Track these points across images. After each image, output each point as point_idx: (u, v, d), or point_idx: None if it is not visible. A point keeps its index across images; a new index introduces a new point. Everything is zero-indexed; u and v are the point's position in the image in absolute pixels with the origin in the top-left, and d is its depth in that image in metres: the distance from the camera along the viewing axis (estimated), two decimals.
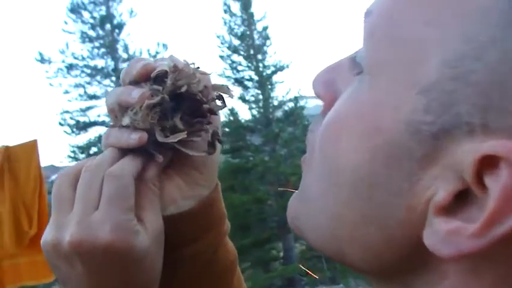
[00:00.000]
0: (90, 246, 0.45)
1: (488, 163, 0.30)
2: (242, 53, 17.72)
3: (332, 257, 0.41)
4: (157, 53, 16.88)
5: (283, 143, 16.32)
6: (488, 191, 0.30)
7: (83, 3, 17.02)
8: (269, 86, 17.32)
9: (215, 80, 0.51)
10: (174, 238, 0.52)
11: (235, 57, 17.82)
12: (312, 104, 16.75)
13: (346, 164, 0.37)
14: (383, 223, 0.35)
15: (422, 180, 0.33)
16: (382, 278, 0.39)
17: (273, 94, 17.29)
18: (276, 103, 17.17)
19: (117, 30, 17.24)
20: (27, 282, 3.48)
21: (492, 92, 0.30)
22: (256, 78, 17.45)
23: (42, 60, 16.58)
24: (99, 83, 16.93)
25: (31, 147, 3.48)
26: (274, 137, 16.34)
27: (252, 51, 17.58)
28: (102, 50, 17.01)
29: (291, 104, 16.96)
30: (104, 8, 17.11)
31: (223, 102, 0.52)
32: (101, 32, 17.13)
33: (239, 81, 17.57)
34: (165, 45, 17.05)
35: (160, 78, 0.49)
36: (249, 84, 17.55)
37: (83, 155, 15.01)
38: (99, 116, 16.72)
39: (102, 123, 16.44)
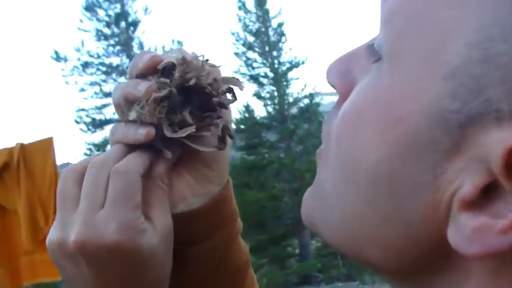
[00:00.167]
0: (96, 245, 0.44)
1: None
2: (257, 49, 17.79)
3: (348, 255, 0.39)
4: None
5: (298, 139, 16.37)
6: None
7: (97, 1, 17.17)
8: (284, 83, 17.39)
9: (226, 73, 0.49)
10: (184, 236, 0.51)
11: (250, 54, 17.93)
12: (328, 101, 16.73)
13: (364, 158, 0.34)
14: (404, 220, 0.33)
15: (447, 173, 0.30)
16: (401, 278, 0.36)
17: (288, 91, 17.37)
18: (291, 100, 17.24)
19: (132, 28, 17.36)
20: (43, 279, 3.50)
21: None
22: (271, 75, 17.52)
23: (58, 58, 16.76)
24: (115, 80, 17.06)
25: (47, 145, 3.50)
26: (289, 134, 16.38)
27: (267, 48, 17.64)
28: (118, 47, 17.14)
29: (307, 101, 17.03)
30: (118, 5, 17.24)
31: (234, 95, 0.50)
32: (116, 30, 17.26)
33: (254, 78, 17.64)
34: (180, 42, 17.11)
35: (168, 71, 0.47)
36: (264, 81, 17.63)
37: (99, 153, 15.07)
38: (114, 113, 16.69)
39: None
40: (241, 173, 16.00)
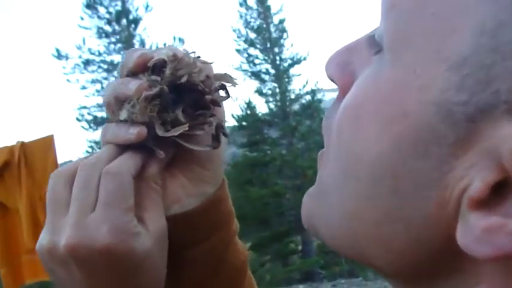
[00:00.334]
0: (87, 249, 0.43)
1: None
2: (259, 46, 17.79)
3: (348, 255, 0.37)
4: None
5: (300, 136, 16.36)
6: None
7: None
8: (286, 79, 17.38)
9: (219, 70, 0.48)
10: (179, 238, 0.49)
11: (251, 50, 17.92)
12: (330, 97, 16.72)
13: (366, 154, 0.32)
14: (409, 220, 0.31)
15: (455, 170, 0.28)
16: (406, 281, 0.34)
17: (290, 87, 17.35)
18: (293, 96, 17.22)
19: (133, 25, 17.34)
20: (45, 278, 3.50)
21: None
22: (273, 71, 17.52)
23: (59, 56, 16.75)
24: (116, 78, 17.04)
25: (47, 143, 3.50)
26: (291, 131, 16.38)
27: (268, 45, 17.62)
28: (119, 45, 17.12)
29: (308, 97, 17.00)
30: (119, 3, 17.21)
31: (227, 92, 0.49)
32: (117, 27, 17.23)
33: (256, 75, 17.64)
34: (181, 40, 17.10)
35: (158, 68, 0.46)
36: (266, 77, 17.63)
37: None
38: None
39: None
40: (244, 170, 16.02)
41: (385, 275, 0.36)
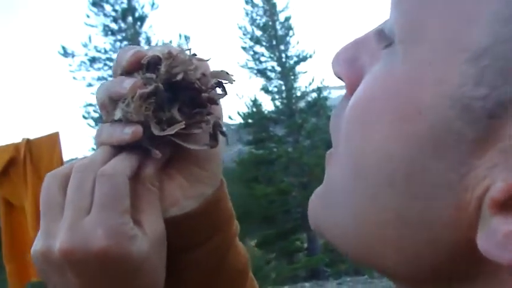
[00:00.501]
0: (82, 253, 0.41)
1: None
2: (264, 43, 17.78)
3: (361, 262, 0.35)
4: (179, 45, 16.97)
5: (306, 133, 16.35)
6: None
7: None
8: (292, 77, 17.37)
9: (221, 67, 0.47)
10: (178, 241, 0.48)
11: (257, 48, 17.91)
12: (336, 95, 16.69)
13: (378, 154, 0.30)
14: (425, 224, 0.29)
15: (475, 170, 0.26)
16: (417, 285, 0.32)
17: (296, 85, 17.34)
18: (299, 94, 17.21)
19: (139, 23, 17.34)
20: None
21: None
22: (278, 69, 17.52)
23: (65, 54, 16.78)
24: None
25: (53, 140, 3.50)
26: (297, 128, 16.36)
27: (274, 42, 17.61)
28: (125, 42, 17.12)
29: (314, 95, 16.98)
30: (125, 0, 17.21)
31: (224, 89, 0.48)
32: (123, 25, 17.24)
33: (262, 72, 17.64)
34: (187, 37, 17.09)
35: (153, 66, 0.45)
36: (272, 75, 17.62)
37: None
38: None
39: None
40: (249, 168, 16.02)
41: (394, 278, 0.34)
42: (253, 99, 17.03)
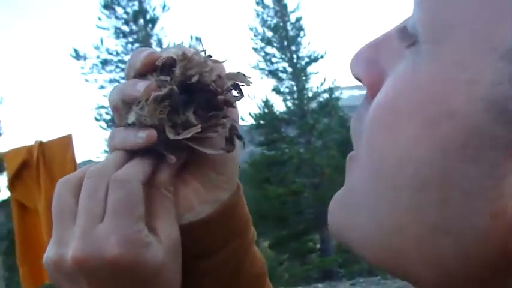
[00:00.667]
0: (96, 262, 0.40)
1: None
2: (275, 44, 17.84)
3: (389, 272, 0.33)
4: (190, 46, 17.08)
5: (318, 134, 16.37)
6: None
7: None
8: (303, 77, 17.41)
9: (233, 67, 0.45)
10: (195, 248, 0.47)
11: (268, 49, 17.99)
12: (347, 95, 16.67)
13: (405, 160, 0.28)
14: (459, 233, 0.27)
15: (511, 175, 0.25)
16: None
17: (307, 85, 17.39)
18: (310, 94, 17.25)
19: (150, 25, 17.46)
20: None
21: None
22: (290, 69, 17.57)
23: (77, 56, 16.94)
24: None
25: (66, 142, 3.51)
26: (309, 129, 16.38)
27: (285, 43, 17.66)
28: (136, 45, 17.24)
29: (326, 95, 17.03)
30: (136, 3, 17.34)
31: (241, 92, 0.46)
32: (134, 27, 17.37)
33: (273, 73, 17.70)
34: (198, 39, 17.13)
35: (167, 68, 0.43)
36: (283, 75, 17.68)
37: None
38: None
39: None
40: (261, 169, 16.06)
41: (416, 285, 0.32)
42: (264, 100, 17.10)
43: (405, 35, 0.32)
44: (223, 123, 0.45)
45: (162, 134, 0.42)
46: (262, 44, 17.96)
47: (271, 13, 17.92)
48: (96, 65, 17.03)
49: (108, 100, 0.47)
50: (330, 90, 16.92)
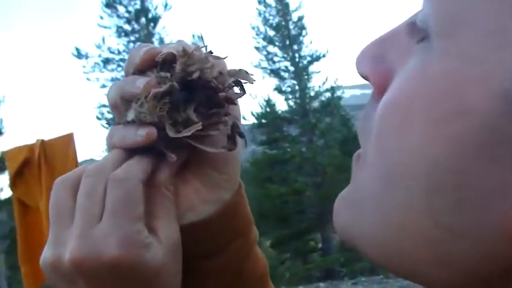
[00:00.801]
0: (94, 263, 0.39)
1: None
2: (277, 43, 17.86)
3: (394, 271, 0.32)
4: (194, 43, 17.16)
5: (320, 133, 16.38)
6: None
7: None
8: (305, 77, 17.43)
9: (235, 66, 0.44)
10: (196, 248, 0.46)
11: (270, 48, 18.01)
12: (349, 94, 16.69)
13: (418, 159, 0.27)
14: (477, 236, 0.26)
15: None
16: None
17: (309, 84, 17.41)
18: (312, 93, 17.27)
19: (152, 24, 17.48)
20: None
21: None
22: (292, 68, 17.58)
23: (79, 55, 16.98)
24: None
25: (67, 140, 3.52)
26: (311, 128, 16.40)
27: (287, 42, 17.67)
28: (138, 43, 17.26)
29: (328, 94, 17.04)
30: (138, 1, 17.36)
31: (242, 89, 0.45)
32: (136, 26, 17.40)
33: (275, 72, 17.72)
34: (200, 37, 17.16)
35: (168, 64, 0.43)
36: (285, 75, 17.70)
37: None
38: None
39: None
40: (263, 168, 16.08)
41: (426, 286, 0.31)
42: (266, 99, 17.11)
43: (414, 30, 0.31)
44: (224, 121, 0.44)
45: (162, 132, 0.41)
46: (264, 43, 17.98)
47: (273, 12, 17.93)
48: (98, 63, 17.07)
49: (107, 97, 0.46)
50: (332, 90, 16.93)
